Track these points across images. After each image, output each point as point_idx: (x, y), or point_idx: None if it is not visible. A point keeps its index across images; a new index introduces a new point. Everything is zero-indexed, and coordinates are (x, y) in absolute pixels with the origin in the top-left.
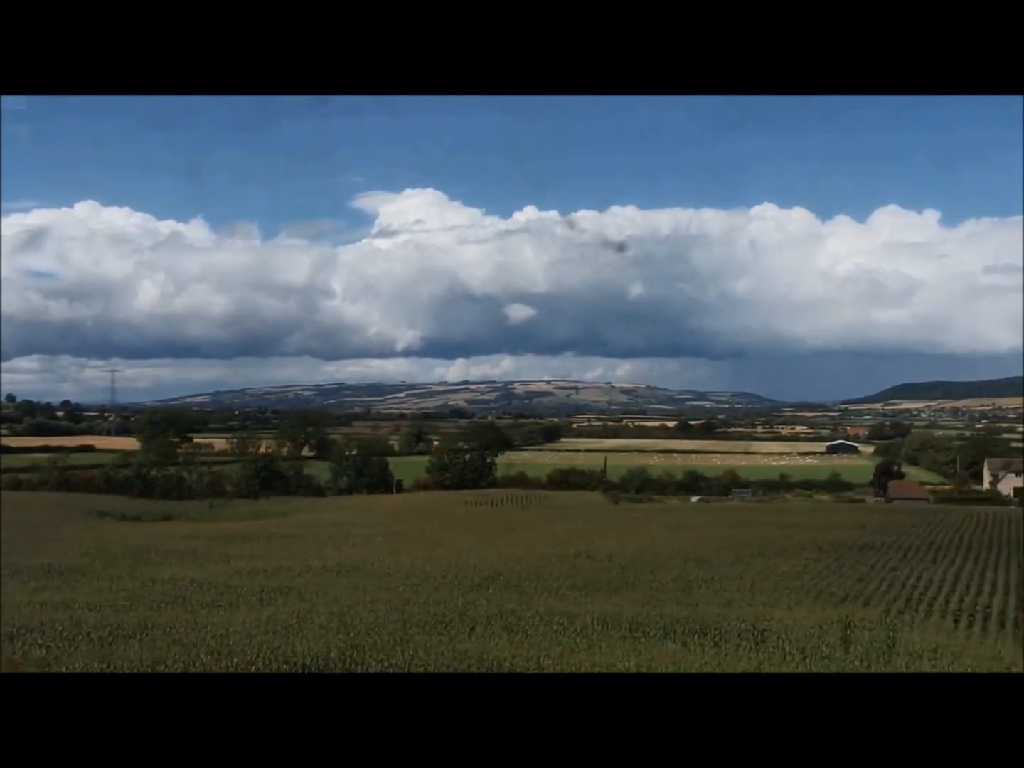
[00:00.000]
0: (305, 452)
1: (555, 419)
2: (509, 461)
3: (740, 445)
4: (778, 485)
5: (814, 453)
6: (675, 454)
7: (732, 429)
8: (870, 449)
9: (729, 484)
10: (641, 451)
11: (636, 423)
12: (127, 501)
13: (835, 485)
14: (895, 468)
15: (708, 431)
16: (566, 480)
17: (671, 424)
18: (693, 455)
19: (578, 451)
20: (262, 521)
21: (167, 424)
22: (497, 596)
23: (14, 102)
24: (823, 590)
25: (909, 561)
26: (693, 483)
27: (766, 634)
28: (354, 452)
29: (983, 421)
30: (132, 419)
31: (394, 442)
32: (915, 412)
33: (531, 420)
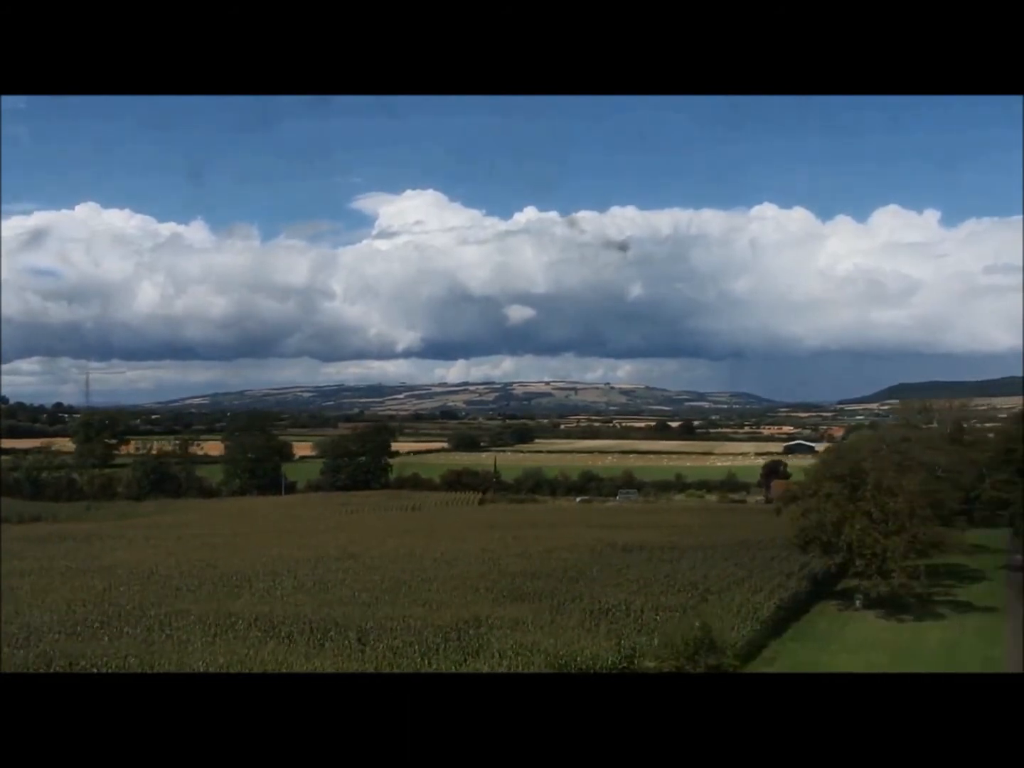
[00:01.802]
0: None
1: (544, 420)
2: (451, 462)
3: (708, 446)
4: (672, 485)
5: (770, 453)
6: (631, 455)
7: (714, 430)
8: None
9: (622, 485)
10: (601, 452)
11: (624, 424)
12: (12, 503)
13: (729, 486)
14: (781, 468)
15: (688, 432)
16: (459, 481)
17: (668, 425)
18: (650, 455)
19: (539, 452)
20: (120, 522)
21: (102, 426)
22: (188, 596)
23: (14, 102)
24: (518, 589)
25: (655, 562)
26: (586, 483)
27: (365, 633)
28: (248, 454)
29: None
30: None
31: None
32: None
33: (520, 421)
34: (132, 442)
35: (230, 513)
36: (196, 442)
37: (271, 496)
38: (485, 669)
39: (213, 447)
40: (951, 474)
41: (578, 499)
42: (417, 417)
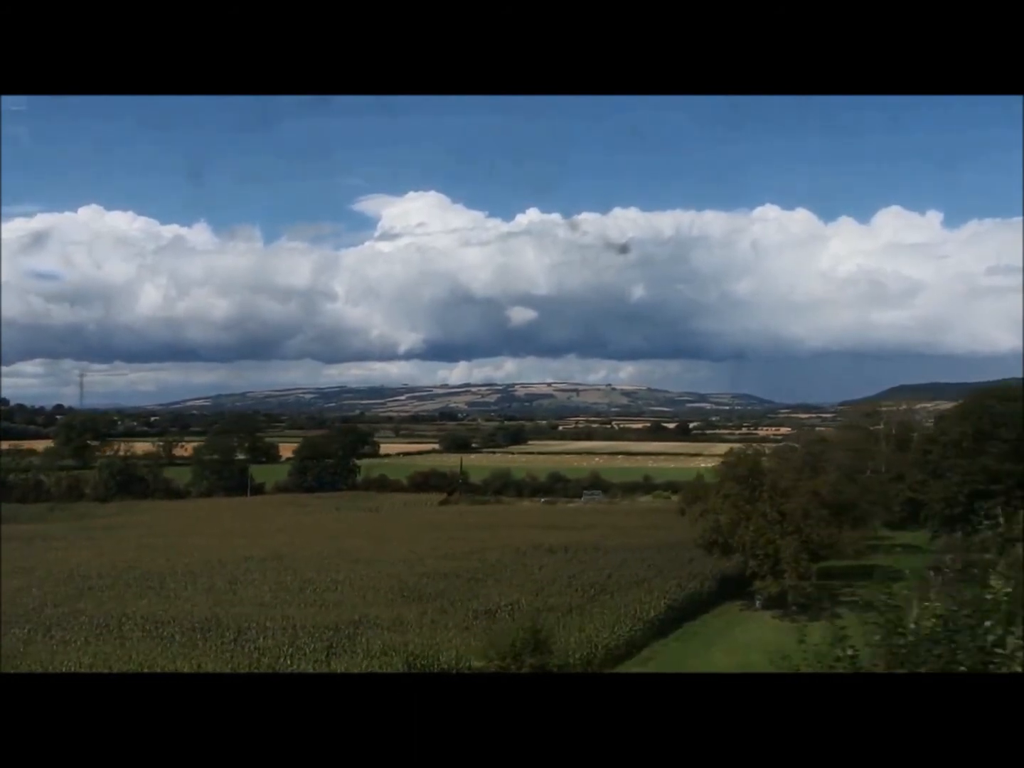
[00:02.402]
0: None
1: (543, 421)
2: (438, 463)
3: (701, 447)
4: (640, 486)
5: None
6: (620, 456)
7: (710, 431)
8: None
9: (588, 486)
10: (591, 453)
11: (623, 425)
12: None
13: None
14: None
15: (684, 433)
16: (426, 483)
17: (664, 426)
18: (639, 456)
19: (529, 453)
20: (76, 523)
21: (84, 427)
22: (94, 597)
23: (14, 102)
24: (420, 589)
25: (571, 562)
26: (553, 485)
27: (242, 632)
28: (214, 455)
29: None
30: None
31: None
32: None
33: (518, 423)
34: (119, 444)
35: (189, 514)
36: (181, 444)
37: (238, 497)
38: (341, 669)
39: (187, 449)
40: (880, 475)
41: (542, 500)
42: (415, 419)
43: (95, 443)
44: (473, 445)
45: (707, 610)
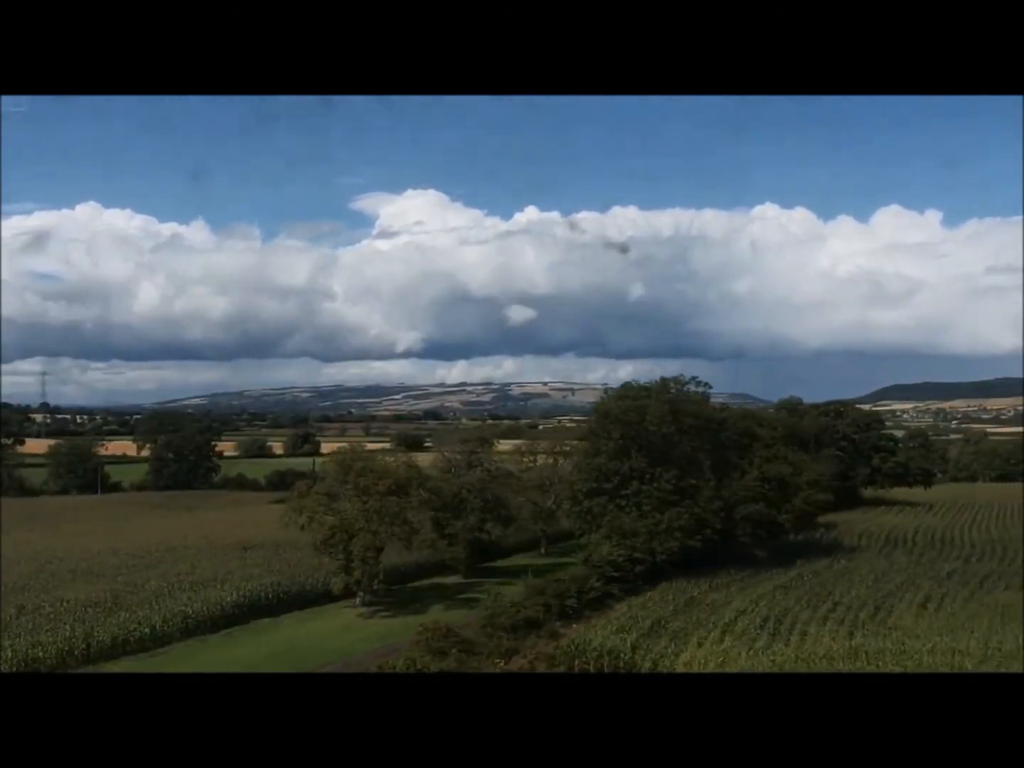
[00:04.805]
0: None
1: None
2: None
3: None
4: None
5: None
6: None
7: None
8: None
9: None
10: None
11: None
12: None
13: None
14: None
15: None
16: (283, 481)
17: None
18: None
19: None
20: None
21: None
22: None
23: (14, 102)
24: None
25: (217, 558)
26: None
27: None
28: (66, 453)
29: (953, 422)
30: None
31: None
32: (899, 413)
33: (502, 422)
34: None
35: (14, 514)
36: (102, 442)
37: (87, 496)
38: None
39: (120, 447)
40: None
41: None
42: (398, 418)
43: (7, 441)
44: (426, 444)
45: (306, 607)
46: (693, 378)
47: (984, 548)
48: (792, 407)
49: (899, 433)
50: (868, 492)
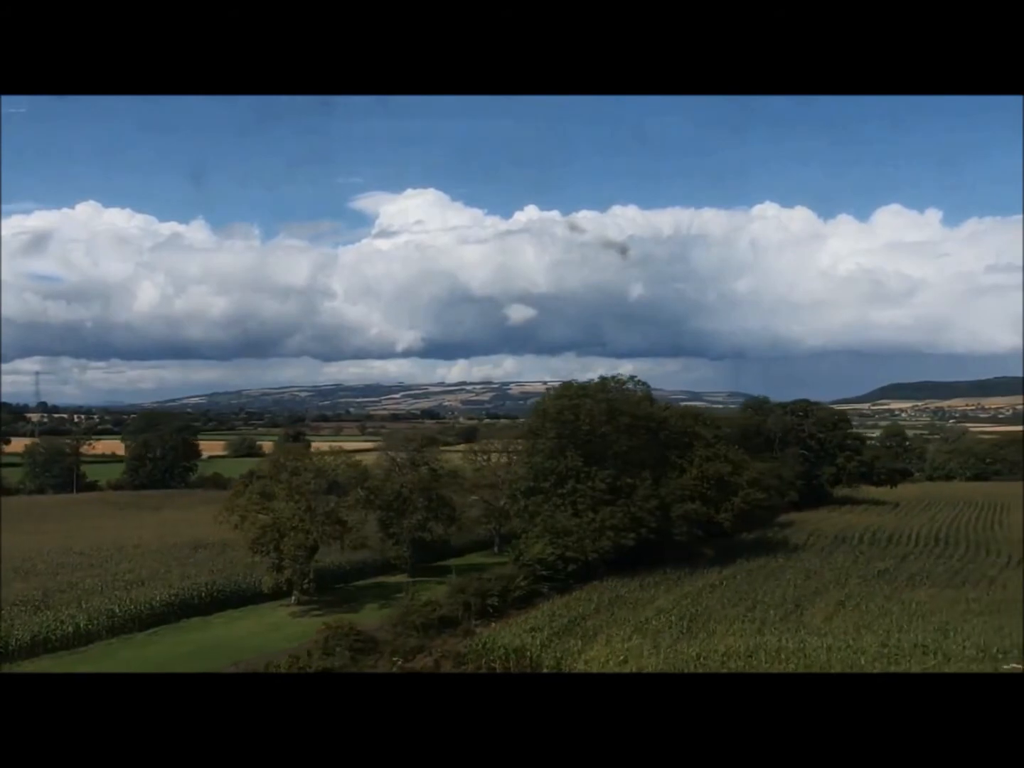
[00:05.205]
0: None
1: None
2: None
3: None
4: None
5: None
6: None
7: None
8: None
9: None
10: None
11: None
12: None
13: None
14: None
15: None
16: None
17: None
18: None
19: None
20: None
21: None
22: None
23: (14, 102)
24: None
25: (163, 557)
26: None
27: None
28: (43, 453)
29: (952, 420)
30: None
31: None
32: (897, 412)
33: (496, 420)
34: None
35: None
36: (89, 442)
37: (62, 495)
38: None
39: (106, 446)
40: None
41: None
42: (395, 417)
43: None
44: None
45: (243, 606)
46: (632, 377)
47: (927, 546)
48: (758, 406)
49: (875, 433)
50: (846, 491)
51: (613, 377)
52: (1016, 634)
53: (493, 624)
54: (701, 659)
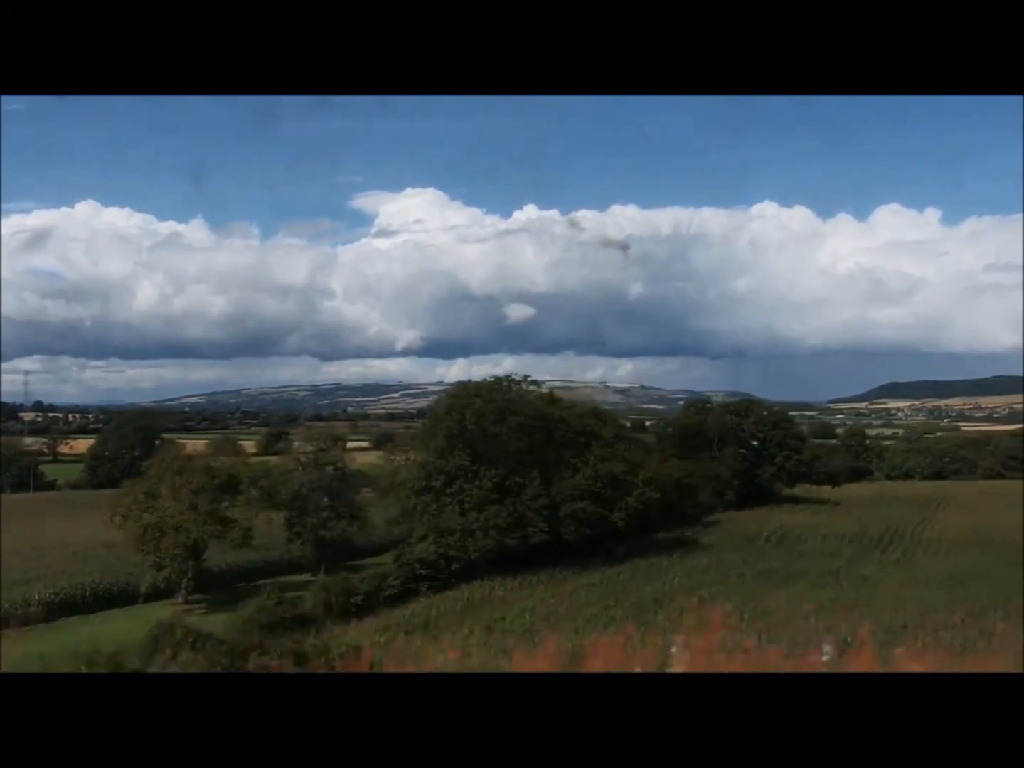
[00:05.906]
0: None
1: None
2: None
3: None
4: None
5: None
6: None
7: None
8: None
9: None
10: None
11: None
12: None
13: None
14: None
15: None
16: None
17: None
18: None
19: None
20: None
21: None
22: None
23: (14, 102)
24: None
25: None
26: None
27: None
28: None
29: (946, 419)
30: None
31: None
32: (894, 411)
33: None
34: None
35: None
36: (66, 441)
37: (16, 495)
38: None
39: (83, 445)
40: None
41: None
42: (391, 416)
43: None
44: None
45: (130, 604)
46: (526, 376)
47: (832, 544)
48: (700, 406)
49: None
50: (798, 491)
51: (507, 376)
52: (838, 631)
53: (353, 623)
54: (529, 657)
